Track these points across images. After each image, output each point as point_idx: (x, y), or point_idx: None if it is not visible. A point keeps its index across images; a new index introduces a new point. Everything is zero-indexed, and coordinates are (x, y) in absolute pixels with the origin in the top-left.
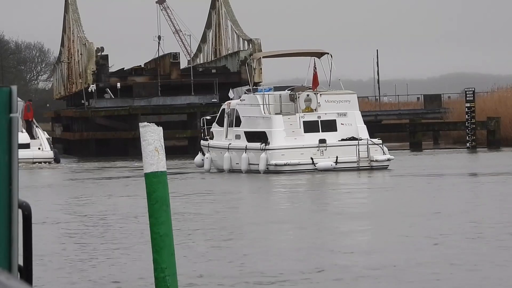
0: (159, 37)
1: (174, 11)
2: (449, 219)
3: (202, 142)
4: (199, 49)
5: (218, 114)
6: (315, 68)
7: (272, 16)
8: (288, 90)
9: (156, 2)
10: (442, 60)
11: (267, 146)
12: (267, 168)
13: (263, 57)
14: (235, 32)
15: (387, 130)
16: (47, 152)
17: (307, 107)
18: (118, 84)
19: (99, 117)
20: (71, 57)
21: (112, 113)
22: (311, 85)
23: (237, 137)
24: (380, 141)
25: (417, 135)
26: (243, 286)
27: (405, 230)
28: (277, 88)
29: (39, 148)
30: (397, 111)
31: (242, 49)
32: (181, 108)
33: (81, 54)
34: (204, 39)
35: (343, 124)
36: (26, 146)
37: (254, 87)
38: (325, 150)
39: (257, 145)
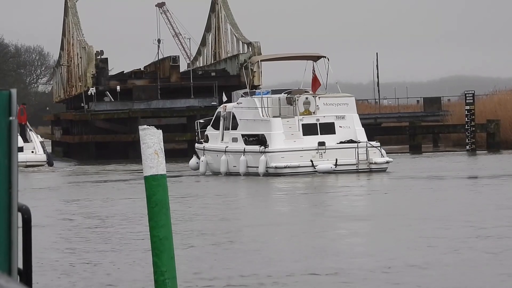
0: (159, 40)
1: (173, 14)
2: (445, 222)
3: (196, 145)
4: (199, 52)
5: (214, 117)
6: (314, 71)
7: (272, 18)
8: (284, 93)
9: (156, 5)
10: (442, 63)
11: (266, 148)
12: (267, 171)
13: (261, 60)
14: (235, 35)
15: (387, 133)
16: (40, 155)
17: (306, 110)
18: (118, 87)
19: (99, 120)
20: (71, 61)
21: (112, 116)
22: (308, 88)
23: (234, 140)
24: (379, 144)
25: (417, 138)
26: None
27: (402, 232)
28: (274, 92)
29: (32, 152)
30: (397, 114)
31: (241, 52)
32: (180, 111)
33: (80, 57)
34: (203, 42)
35: (341, 127)
36: (20, 149)
37: (252, 90)
38: (324, 152)
39: (255, 148)
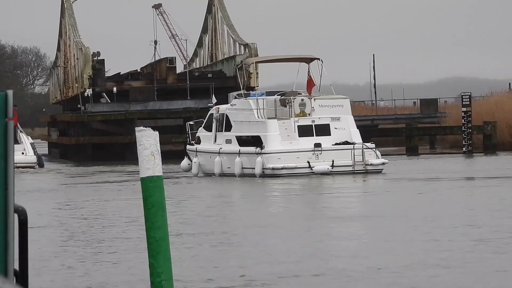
0: (156, 42)
1: (170, 16)
2: (441, 222)
3: (188, 147)
4: (195, 54)
5: (206, 119)
6: (309, 72)
7: (268, 19)
8: (278, 95)
9: (153, 7)
10: (438, 64)
11: (263, 150)
12: (263, 172)
13: (255, 62)
14: (231, 37)
15: (384, 134)
16: (30, 156)
17: (301, 111)
18: (115, 89)
19: (96, 121)
20: (67, 62)
21: (109, 118)
22: (301, 90)
23: (228, 141)
24: (373, 145)
25: (414, 139)
26: None
27: (397, 233)
28: (268, 93)
29: (22, 153)
30: (394, 116)
31: (238, 53)
32: (177, 113)
33: (77, 58)
34: (200, 44)
35: (336, 128)
36: None
37: (246, 92)
38: (320, 154)
39: (251, 149)
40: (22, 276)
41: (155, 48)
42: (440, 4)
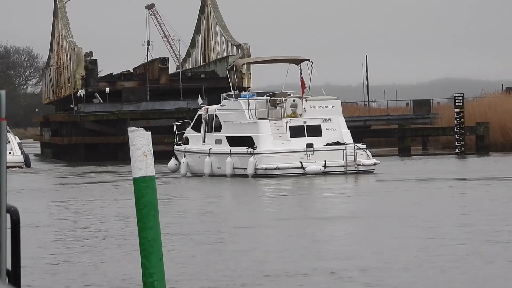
0: (148, 42)
1: (163, 16)
2: (433, 223)
3: (176, 147)
4: (188, 54)
5: (194, 120)
6: (301, 73)
7: (261, 20)
8: (267, 96)
9: (145, 7)
10: (431, 65)
11: (255, 150)
12: (256, 172)
13: (246, 63)
14: (224, 37)
15: (376, 135)
16: (18, 156)
17: (293, 112)
18: (107, 89)
19: (88, 121)
20: (60, 62)
21: (101, 118)
22: (290, 91)
23: (218, 142)
24: (364, 146)
25: (406, 140)
26: None
27: (388, 233)
28: (259, 94)
29: (10, 153)
30: (386, 116)
31: (231, 54)
32: (170, 113)
33: (70, 59)
34: (193, 44)
35: (327, 129)
36: None
37: (236, 92)
38: (312, 154)
39: (242, 149)
40: (14, 275)
41: (147, 48)
42: (440, 4)
